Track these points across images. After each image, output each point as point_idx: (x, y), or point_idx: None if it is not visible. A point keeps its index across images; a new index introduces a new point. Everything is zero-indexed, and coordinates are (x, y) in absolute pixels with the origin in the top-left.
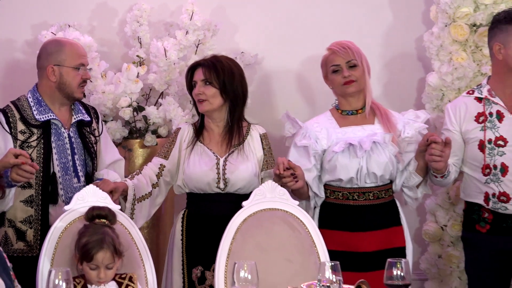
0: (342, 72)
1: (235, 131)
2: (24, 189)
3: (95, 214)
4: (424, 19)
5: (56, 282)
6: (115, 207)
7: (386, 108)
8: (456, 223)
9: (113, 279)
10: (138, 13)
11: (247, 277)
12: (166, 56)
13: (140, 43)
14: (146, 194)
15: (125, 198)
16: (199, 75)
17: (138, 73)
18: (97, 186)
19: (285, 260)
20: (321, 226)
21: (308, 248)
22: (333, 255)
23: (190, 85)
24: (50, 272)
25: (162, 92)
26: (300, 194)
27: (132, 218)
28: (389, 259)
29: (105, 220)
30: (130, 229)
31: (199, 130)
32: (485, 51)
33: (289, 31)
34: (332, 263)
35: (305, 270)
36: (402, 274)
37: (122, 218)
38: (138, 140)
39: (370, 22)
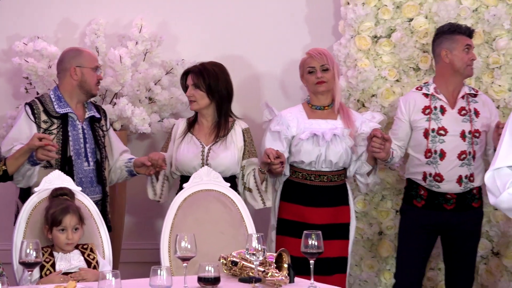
0: (316, 74)
1: (222, 124)
2: (46, 169)
3: (58, 193)
4: (333, 32)
5: (28, 251)
6: (77, 188)
7: (348, 108)
8: (361, 201)
9: (77, 248)
10: (96, 26)
11: (187, 247)
12: (120, 62)
13: (98, 52)
14: (163, 182)
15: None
16: (190, 80)
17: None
18: (149, 156)
19: (219, 233)
20: (282, 198)
21: (238, 222)
22: (287, 224)
23: (185, 88)
24: (22, 243)
25: (117, 93)
26: (278, 174)
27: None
28: (305, 231)
29: (66, 197)
30: (88, 205)
31: (192, 123)
32: (384, 59)
33: (223, 42)
34: (258, 235)
35: (235, 240)
36: (316, 243)
37: (81, 196)
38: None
39: (290, 34)
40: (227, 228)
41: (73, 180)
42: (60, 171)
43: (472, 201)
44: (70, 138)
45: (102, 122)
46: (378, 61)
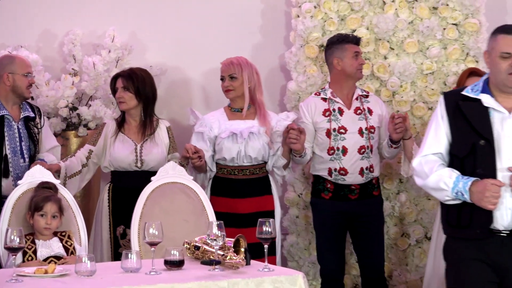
0: (225, 82)
1: (147, 124)
2: None
3: (44, 185)
4: (285, 42)
5: (12, 237)
6: (56, 181)
7: (265, 110)
8: (309, 192)
9: (56, 235)
10: (73, 37)
11: (154, 233)
12: (94, 69)
13: (74, 59)
14: (76, 172)
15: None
16: (119, 83)
17: (73, 81)
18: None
19: (183, 221)
20: (212, 193)
21: (200, 211)
22: (220, 215)
23: (114, 90)
24: (7, 230)
25: (91, 96)
26: (201, 169)
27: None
28: (260, 219)
29: (50, 189)
30: (67, 196)
31: (121, 123)
32: None
33: (186, 50)
34: (218, 222)
35: (198, 228)
36: (269, 230)
37: (63, 190)
38: (73, 132)
39: (246, 43)
40: (190, 217)
41: (10, 175)
42: (41, 166)
43: (372, 190)
44: (6, 138)
45: (37, 120)
46: (324, 67)
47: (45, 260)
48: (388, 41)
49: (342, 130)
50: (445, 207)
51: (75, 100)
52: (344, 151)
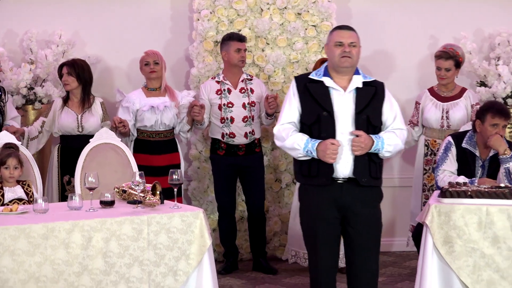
0: (150, 66)
1: (86, 100)
2: None
3: (8, 145)
4: (189, 38)
5: None
6: (18, 143)
7: (173, 89)
8: (207, 149)
9: (19, 183)
10: (30, 35)
11: (92, 181)
12: (46, 59)
13: (31, 52)
14: (35, 136)
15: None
16: (64, 70)
17: (30, 68)
18: (6, 129)
19: (114, 171)
20: (134, 151)
21: (126, 164)
22: (141, 168)
23: (60, 75)
24: None
25: (44, 79)
26: (125, 135)
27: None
28: (170, 170)
29: (13, 148)
30: (26, 154)
31: (66, 100)
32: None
33: (114, 44)
34: (139, 172)
35: (124, 176)
36: (178, 177)
37: (22, 148)
38: (30, 106)
39: (159, 39)
40: (119, 168)
41: None
42: (6, 131)
43: (255, 148)
44: None
45: (3, 96)
46: (218, 57)
47: (10, 202)
48: (265, 38)
49: (230, 105)
50: (298, 162)
51: (32, 82)
52: (232, 120)
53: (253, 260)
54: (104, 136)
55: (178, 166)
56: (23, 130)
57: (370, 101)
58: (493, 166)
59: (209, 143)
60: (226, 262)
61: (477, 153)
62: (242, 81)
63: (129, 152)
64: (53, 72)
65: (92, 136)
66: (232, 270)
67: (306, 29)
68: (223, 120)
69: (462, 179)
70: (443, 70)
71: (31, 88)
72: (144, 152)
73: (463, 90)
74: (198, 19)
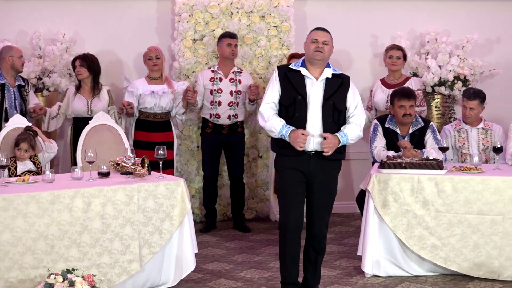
0: (153, 60)
1: (95, 88)
2: None
3: (27, 129)
4: (171, 37)
5: (1, 159)
6: (37, 129)
7: (171, 80)
8: (188, 129)
9: (30, 159)
10: (39, 34)
11: (91, 156)
12: (53, 54)
13: (40, 48)
14: (54, 115)
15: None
16: (77, 62)
17: (39, 62)
18: (34, 107)
19: (109, 148)
20: (136, 129)
21: (119, 141)
22: (140, 143)
23: (74, 67)
24: None
25: (51, 71)
26: (131, 115)
27: (48, 126)
28: (156, 146)
29: (31, 133)
30: (39, 138)
31: (78, 87)
32: (199, 52)
33: (113, 42)
34: (130, 148)
35: (118, 152)
36: (162, 152)
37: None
38: (39, 93)
39: (149, 37)
40: (113, 145)
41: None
42: (19, 115)
43: (237, 128)
44: (6, 97)
45: (26, 87)
46: (195, 53)
47: (22, 173)
48: None
49: (219, 91)
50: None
51: (40, 73)
52: (219, 103)
53: (233, 221)
54: (101, 119)
55: (172, 143)
56: (46, 110)
57: (336, 90)
58: (414, 139)
59: (189, 124)
60: (206, 222)
61: (398, 131)
62: (233, 72)
63: (122, 132)
64: (59, 65)
65: None
66: (211, 229)
67: (268, 29)
68: (212, 103)
69: (391, 153)
70: (394, 57)
71: (39, 79)
72: (144, 130)
73: (407, 78)
74: (179, 21)
